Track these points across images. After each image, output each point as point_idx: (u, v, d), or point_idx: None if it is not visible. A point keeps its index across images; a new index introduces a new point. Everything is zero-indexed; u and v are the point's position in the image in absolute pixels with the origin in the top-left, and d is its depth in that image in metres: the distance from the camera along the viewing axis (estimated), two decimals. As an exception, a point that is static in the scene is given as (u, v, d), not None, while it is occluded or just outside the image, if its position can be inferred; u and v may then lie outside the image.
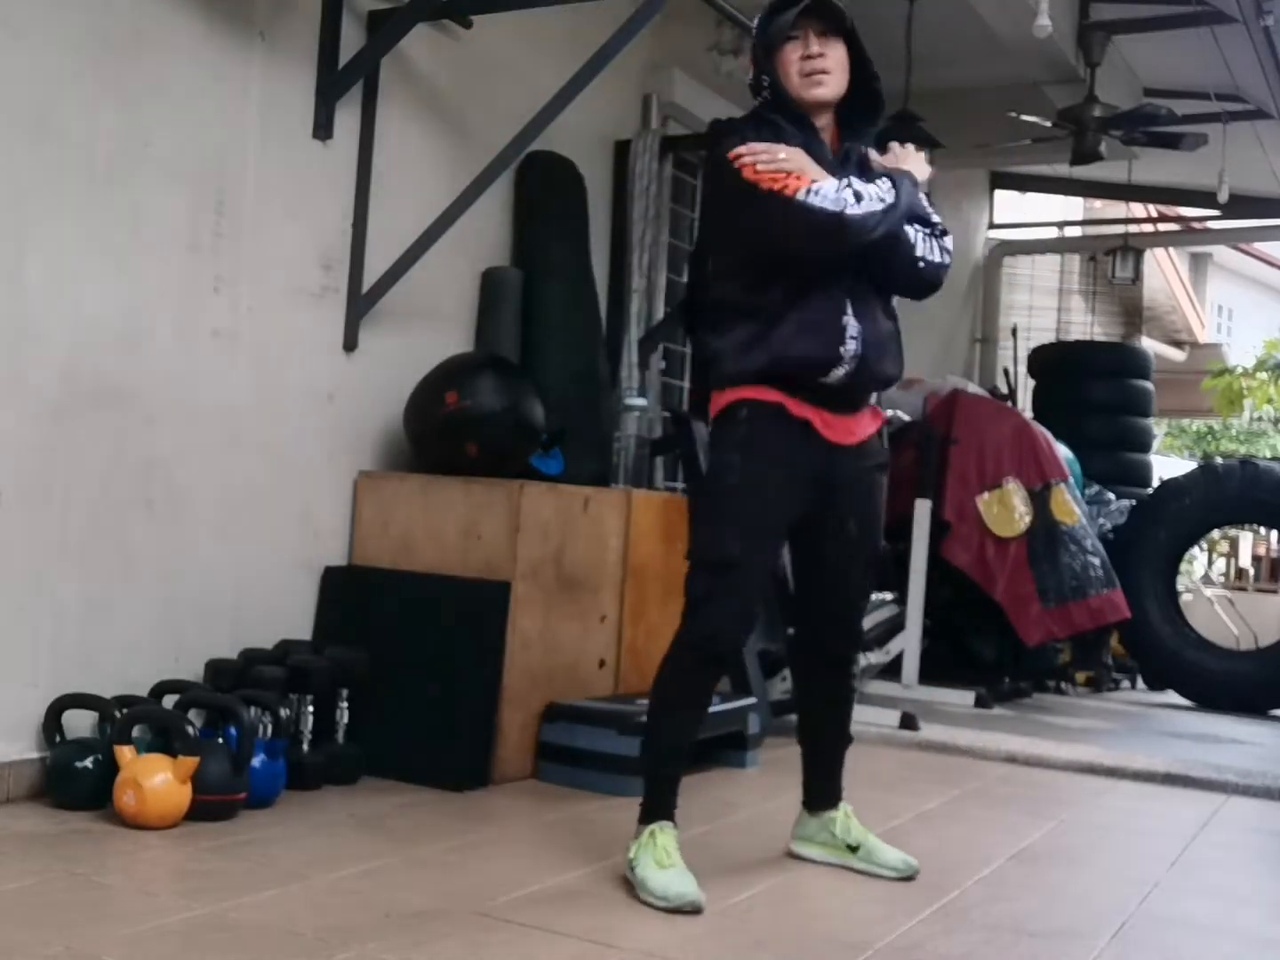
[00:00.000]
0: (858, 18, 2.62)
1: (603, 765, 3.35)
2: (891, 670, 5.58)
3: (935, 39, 5.58)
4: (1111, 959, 2.38)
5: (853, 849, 2.80)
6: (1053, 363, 8.11)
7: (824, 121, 2.64)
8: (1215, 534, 10.40)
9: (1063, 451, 6.12)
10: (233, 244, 3.34)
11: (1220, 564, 11.80)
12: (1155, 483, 7.63)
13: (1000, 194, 9.44)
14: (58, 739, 2.89)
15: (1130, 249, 8.42)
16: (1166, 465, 10.47)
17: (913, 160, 2.64)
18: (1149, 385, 8.04)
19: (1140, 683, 7.30)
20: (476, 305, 4.21)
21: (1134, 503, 6.88)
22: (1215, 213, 8.43)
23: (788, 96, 2.60)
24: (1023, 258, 9.51)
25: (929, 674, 5.68)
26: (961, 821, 3.44)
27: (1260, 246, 16.61)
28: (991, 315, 9.28)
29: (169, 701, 3.05)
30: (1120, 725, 5.62)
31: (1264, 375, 13.02)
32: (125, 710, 2.92)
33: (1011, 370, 8.08)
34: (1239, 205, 7.65)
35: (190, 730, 2.81)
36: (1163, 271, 12.95)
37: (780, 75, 2.59)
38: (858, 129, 2.68)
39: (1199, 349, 14.01)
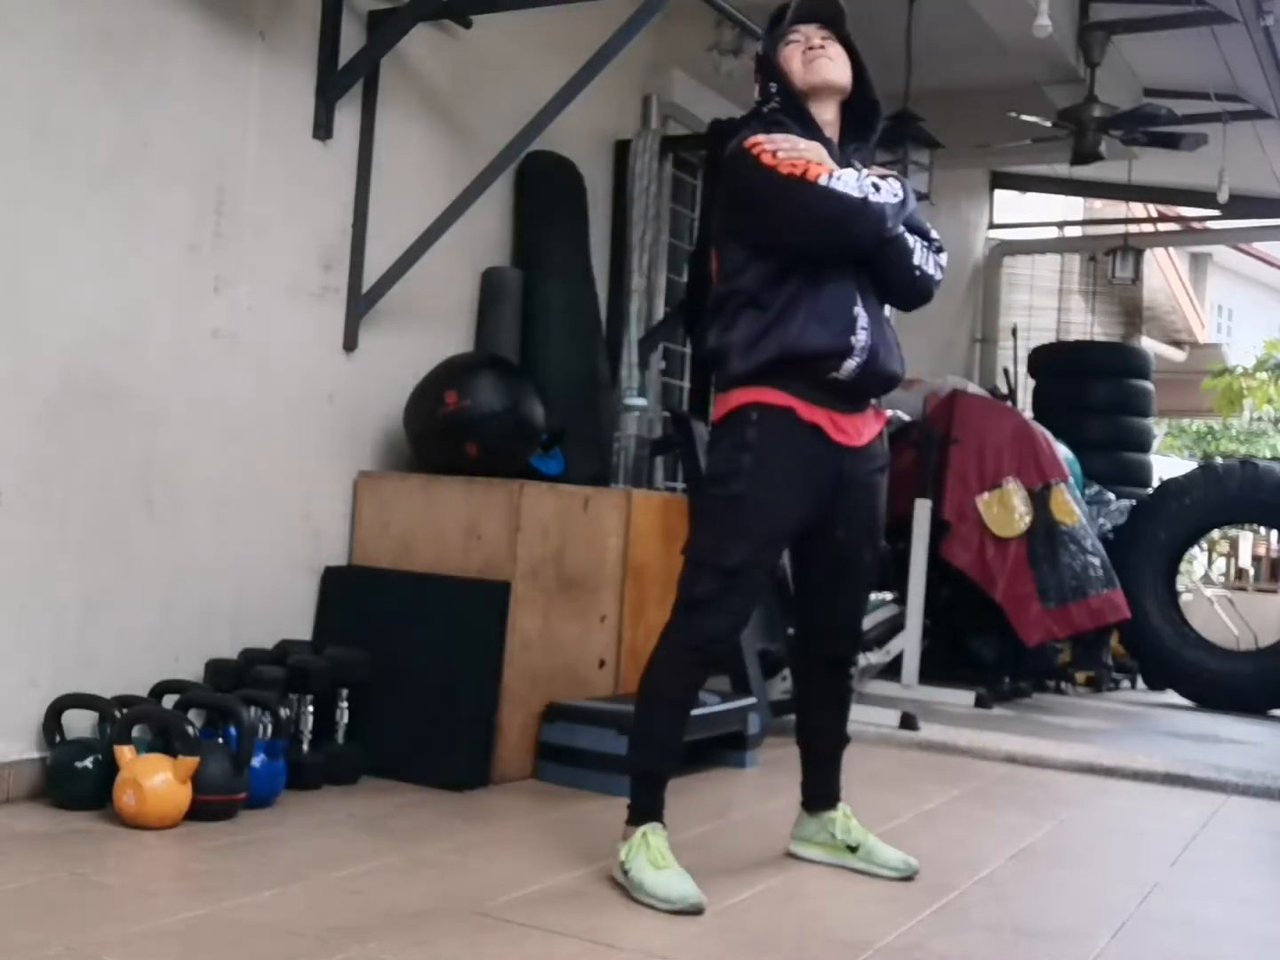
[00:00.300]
0: (857, 18, 2.63)
1: (603, 765, 3.34)
2: (891, 670, 5.59)
3: (935, 39, 5.58)
4: (1111, 959, 2.38)
5: (852, 849, 2.80)
6: (1053, 363, 8.10)
7: (829, 116, 2.64)
8: (1215, 534, 10.39)
9: (1063, 451, 6.11)
10: (233, 244, 3.34)
11: (1220, 564, 11.80)
12: (1155, 483, 7.62)
13: (1000, 194, 9.44)
14: (58, 739, 2.89)
15: (1130, 249, 8.41)
16: (1166, 465, 10.46)
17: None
18: (1149, 385, 8.03)
19: (1140, 683, 7.30)
20: (476, 305, 4.21)
21: (1134, 503, 6.87)
22: (1215, 213, 8.44)
23: (795, 92, 2.60)
24: (1023, 258, 9.51)
25: (929, 674, 5.69)
26: (961, 821, 3.44)
27: (1260, 246, 16.61)
28: (991, 315, 9.29)
29: (169, 701, 3.05)
30: (1120, 725, 5.61)
31: (1264, 375, 13.01)
32: (125, 710, 2.92)
33: (1011, 370, 8.07)
34: (1239, 205, 7.65)
35: (190, 730, 2.81)
36: (1163, 271, 12.95)
37: (785, 75, 2.61)
38: (857, 141, 2.69)
39: (1199, 349, 14.00)
